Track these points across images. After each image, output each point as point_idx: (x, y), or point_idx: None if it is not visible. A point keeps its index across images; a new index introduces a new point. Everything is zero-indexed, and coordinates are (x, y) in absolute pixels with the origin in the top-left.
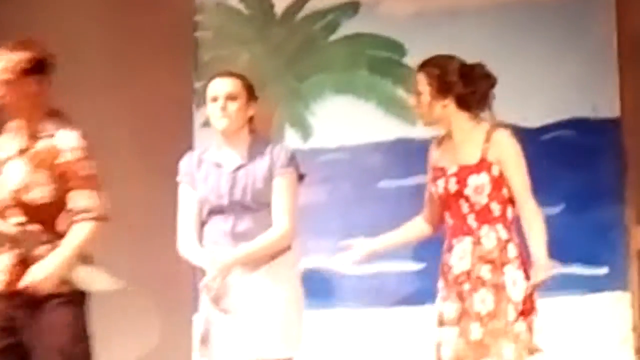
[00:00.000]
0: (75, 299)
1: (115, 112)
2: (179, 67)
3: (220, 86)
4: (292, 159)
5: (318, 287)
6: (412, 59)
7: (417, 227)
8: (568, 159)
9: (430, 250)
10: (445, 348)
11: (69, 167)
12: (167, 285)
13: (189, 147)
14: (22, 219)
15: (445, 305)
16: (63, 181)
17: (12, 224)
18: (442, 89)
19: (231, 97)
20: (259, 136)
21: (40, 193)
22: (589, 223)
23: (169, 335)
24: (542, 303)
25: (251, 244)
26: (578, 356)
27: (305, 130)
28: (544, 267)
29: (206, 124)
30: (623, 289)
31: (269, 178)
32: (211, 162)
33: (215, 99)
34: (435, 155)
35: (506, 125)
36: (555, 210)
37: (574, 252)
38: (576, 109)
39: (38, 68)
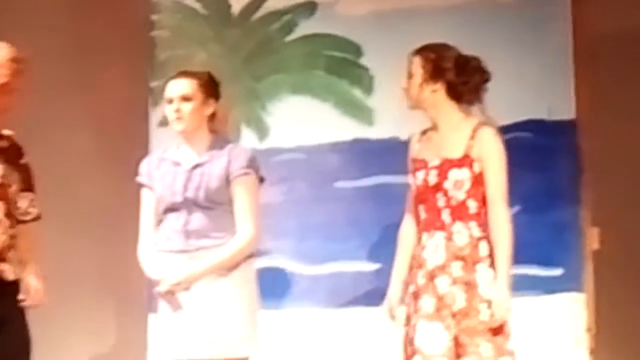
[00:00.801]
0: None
1: (72, 113)
2: (134, 66)
3: (175, 88)
4: (253, 161)
5: (274, 287)
6: (369, 60)
7: (412, 233)
8: (524, 160)
9: (386, 250)
10: (425, 343)
11: None
12: (123, 285)
13: (145, 147)
14: None
15: (422, 299)
16: None
17: None
18: (434, 73)
19: (185, 99)
20: (219, 135)
21: None
22: (544, 224)
23: (124, 334)
24: None
25: (217, 255)
26: (533, 356)
27: (261, 130)
28: (503, 302)
29: (163, 123)
30: (578, 290)
31: (224, 178)
32: (170, 160)
33: (170, 101)
34: (416, 148)
35: (494, 124)
36: (512, 211)
37: (530, 253)
38: (532, 111)
39: None
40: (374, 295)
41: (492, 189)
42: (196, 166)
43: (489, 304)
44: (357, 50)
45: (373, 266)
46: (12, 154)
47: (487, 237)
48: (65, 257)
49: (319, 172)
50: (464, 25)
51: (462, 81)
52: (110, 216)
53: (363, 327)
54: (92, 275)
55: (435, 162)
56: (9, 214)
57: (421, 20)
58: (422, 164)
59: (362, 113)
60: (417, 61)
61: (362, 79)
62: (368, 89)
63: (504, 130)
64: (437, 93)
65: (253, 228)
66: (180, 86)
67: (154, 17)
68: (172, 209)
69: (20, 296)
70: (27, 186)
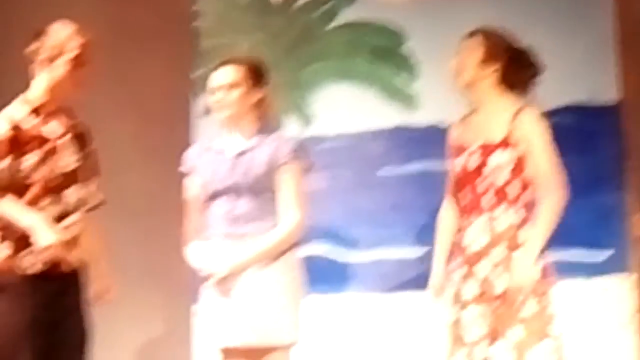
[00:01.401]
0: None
1: (114, 103)
2: (177, 56)
3: (222, 75)
4: (300, 149)
5: (320, 274)
6: (411, 46)
7: (452, 216)
8: (568, 145)
9: (431, 236)
10: (469, 327)
11: None
12: (168, 275)
13: (188, 136)
14: None
15: (465, 284)
16: None
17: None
18: (494, 55)
19: (232, 86)
20: (266, 122)
21: None
22: (591, 208)
23: (170, 323)
24: None
25: (264, 244)
26: (582, 339)
27: (305, 118)
28: (525, 269)
29: (205, 113)
30: (626, 271)
31: (271, 165)
32: (215, 149)
33: (216, 89)
34: (455, 134)
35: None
36: None
37: (577, 236)
38: (576, 95)
39: None
40: (419, 280)
41: (542, 167)
42: (242, 153)
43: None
44: (399, 37)
45: (418, 251)
46: (85, 139)
47: (528, 221)
48: (110, 246)
49: (363, 159)
50: (506, 10)
51: (516, 69)
52: (154, 206)
53: (409, 312)
54: (136, 264)
55: (474, 146)
56: (81, 199)
57: (463, 6)
58: (461, 149)
59: (405, 99)
60: (477, 40)
61: (405, 65)
62: (411, 75)
63: (547, 115)
64: (491, 76)
65: (299, 216)
66: (226, 74)
67: (197, 6)
68: (217, 195)
69: (91, 290)
70: (96, 171)
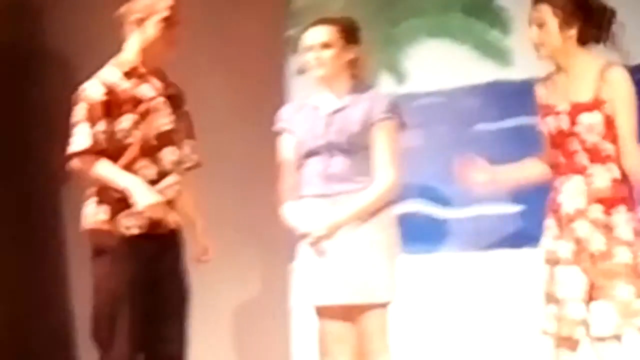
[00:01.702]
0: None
1: (208, 63)
2: (271, 15)
3: (314, 35)
4: (394, 106)
5: (416, 232)
6: (506, 1)
7: (537, 167)
8: None
9: (530, 192)
10: (562, 287)
11: None
12: (264, 234)
13: (282, 95)
14: None
15: (559, 244)
16: None
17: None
18: (568, 19)
19: (325, 45)
20: (359, 81)
21: None
22: None
23: (267, 281)
24: None
25: (359, 202)
26: None
27: (399, 75)
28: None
29: (299, 72)
30: None
31: (366, 122)
32: (311, 106)
33: (310, 49)
34: (541, 93)
35: (623, 61)
36: None
37: None
38: None
39: None
40: (517, 237)
41: (622, 132)
42: (337, 110)
43: (628, 245)
44: None
45: (516, 208)
46: (178, 101)
47: (626, 179)
48: (205, 205)
49: (458, 115)
50: None
51: (592, 24)
52: (249, 165)
53: (507, 269)
54: (233, 222)
55: (563, 106)
56: (178, 160)
57: None
58: (551, 109)
59: (500, 54)
60: (547, 9)
61: (500, 19)
62: (506, 29)
63: (635, 69)
64: (571, 39)
65: (393, 174)
66: (320, 33)
67: None
68: (312, 153)
69: (192, 252)
70: (189, 134)
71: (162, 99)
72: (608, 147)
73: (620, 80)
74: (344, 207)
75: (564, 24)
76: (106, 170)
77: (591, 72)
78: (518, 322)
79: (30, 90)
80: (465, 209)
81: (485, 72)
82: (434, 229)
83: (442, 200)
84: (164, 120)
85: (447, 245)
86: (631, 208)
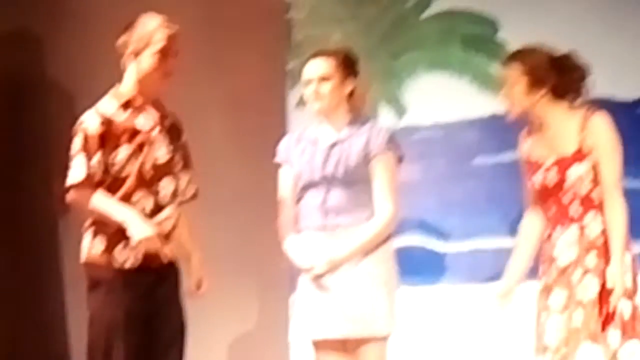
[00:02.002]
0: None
1: (209, 95)
2: (271, 48)
3: (313, 68)
4: (392, 140)
5: (415, 265)
6: (505, 34)
7: (536, 226)
8: None
9: None
10: (549, 336)
11: None
12: (264, 266)
13: (283, 128)
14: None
15: (552, 294)
16: None
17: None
18: (538, 79)
19: (324, 79)
20: (358, 113)
21: None
22: None
23: (266, 315)
24: None
25: (359, 237)
26: None
27: (399, 108)
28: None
29: (300, 104)
30: None
31: (363, 156)
32: (309, 138)
33: (309, 82)
34: (525, 147)
35: (598, 106)
36: None
37: None
38: None
39: None
40: None
41: (606, 179)
42: (335, 143)
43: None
44: (492, 25)
45: (513, 241)
46: (176, 131)
47: None
48: (205, 237)
49: (457, 148)
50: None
51: (565, 81)
52: (249, 196)
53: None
54: (232, 255)
55: (550, 161)
56: (174, 192)
57: None
58: (537, 166)
59: (499, 88)
60: (517, 69)
61: (500, 53)
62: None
63: (635, 104)
64: (544, 98)
65: (393, 208)
66: (318, 66)
67: None
68: (310, 186)
69: (187, 285)
70: (187, 164)
71: (159, 130)
72: (598, 195)
73: (601, 127)
74: (344, 243)
75: (534, 84)
76: (102, 202)
77: (573, 124)
78: (515, 355)
79: (30, 120)
80: (463, 242)
81: (484, 105)
82: (433, 262)
83: (440, 234)
84: (161, 152)
85: (446, 278)
86: (626, 252)
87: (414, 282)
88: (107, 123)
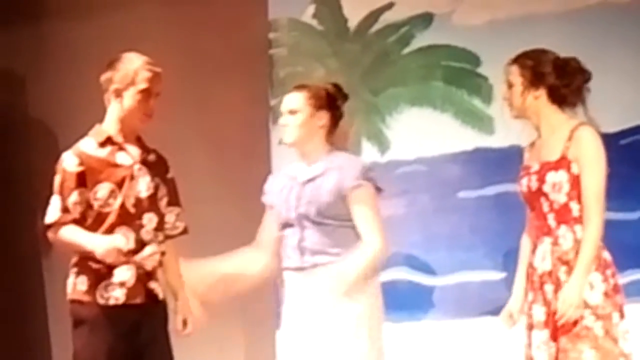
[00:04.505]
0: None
1: (192, 133)
2: (254, 85)
3: (285, 102)
4: (366, 172)
5: (400, 300)
6: (487, 69)
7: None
8: None
9: (514, 259)
10: (536, 352)
11: None
12: (250, 303)
13: (267, 165)
14: None
15: (534, 308)
16: None
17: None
18: (534, 79)
19: (292, 112)
20: (335, 149)
21: None
22: None
23: (252, 351)
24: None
25: (347, 275)
26: None
27: (382, 144)
28: (570, 299)
29: (281, 141)
30: None
31: (338, 192)
32: (288, 175)
33: (282, 115)
34: (526, 157)
35: (595, 125)
36: (634, 215)
37: None
38: None
39: None
40: (501, 304)
41: (587, 191)
42: (308, 180)
43: (593, 309)
44: (475, 60)
45: (499, 275)
46: (160, 167)
47: None
48: None
49: (441, 183)
50: (582, 30)
51: (563, 84)
52: (234, 234)
53: (491, 336)
54: None
55: (535, 167)
56: (158, 228)
57: (537, 27)
58: (525, 171)
59: (482, 122)
60: (515, 70)
61: (481, 88)
62: (487, 98)
63: (623, 134)
64: (539, 99)
65: (380, 240)
66: (288, 100)
67: (272, 35)
68: (287, 224)
69: (175, 323)
70: (174, 200)
71: (140, 165)
72: (575, 208)
73: (588, 139)
74: (332, 282)
75: (530, 84)
76: (70, 234)
77: (562, 132)
78: None
79: (13, 158)
80: (449, 276)
81: (466, 139)
82: (419, 296)
83: (425, 268)
84: (143, 186)
85: (432, 313)
86: (598, 269)
87: (400, 317)
88: (85, 161)
